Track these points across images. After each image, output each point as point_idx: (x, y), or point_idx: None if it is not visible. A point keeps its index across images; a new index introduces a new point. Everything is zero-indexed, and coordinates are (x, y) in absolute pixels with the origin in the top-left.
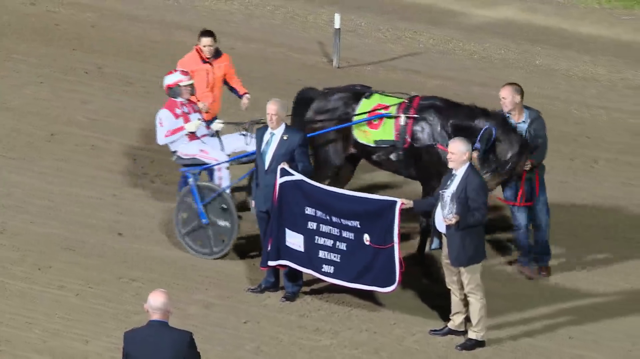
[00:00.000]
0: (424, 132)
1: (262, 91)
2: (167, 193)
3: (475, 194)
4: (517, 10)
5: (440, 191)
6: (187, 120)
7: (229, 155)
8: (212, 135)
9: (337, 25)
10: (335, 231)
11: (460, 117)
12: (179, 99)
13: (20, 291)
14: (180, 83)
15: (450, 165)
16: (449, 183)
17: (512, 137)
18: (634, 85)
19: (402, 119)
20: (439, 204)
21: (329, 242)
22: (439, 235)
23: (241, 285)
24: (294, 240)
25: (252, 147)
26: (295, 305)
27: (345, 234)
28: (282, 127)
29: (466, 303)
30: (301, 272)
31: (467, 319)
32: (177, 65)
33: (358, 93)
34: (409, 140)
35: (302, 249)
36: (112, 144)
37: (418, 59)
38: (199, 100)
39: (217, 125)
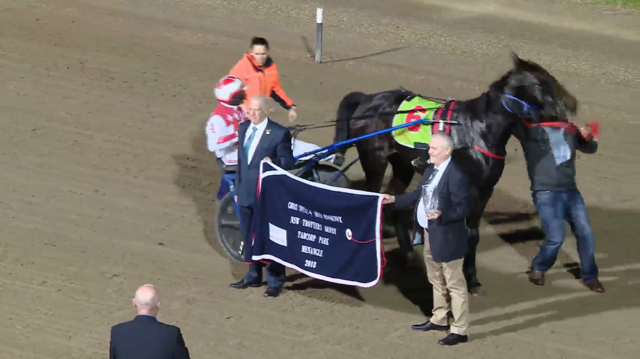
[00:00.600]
0: (459, 135)
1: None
2: (149, 189)
3: (456, 189)
4: (498, 5)
5: (422, 186)
6: (237, 128)
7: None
8: None
9: (319, 20)
10: (317, 226)
11: (479, 115)
12: (236, 106)
13: (2, 287)
14: (244, 88)
15: (431, 160)
16: (430, 178)
17: (516, 78)
18: (617, 81)
19: (441, 124)
20: (421, 199)
21: (312, 237)
22: (420, 230)
23: (224, 281)
24: (277, 235)
25: (296, 152)
26: (278, 300)
27: (327, 229)
28: (265, 122)
29: (448, 298)
30: (284, 267)
31: (450, 315)
32: (230, 73)
33: (401, 95)
34: None
35: (285, 244)
36: (94, 139)
37: (400, 54)
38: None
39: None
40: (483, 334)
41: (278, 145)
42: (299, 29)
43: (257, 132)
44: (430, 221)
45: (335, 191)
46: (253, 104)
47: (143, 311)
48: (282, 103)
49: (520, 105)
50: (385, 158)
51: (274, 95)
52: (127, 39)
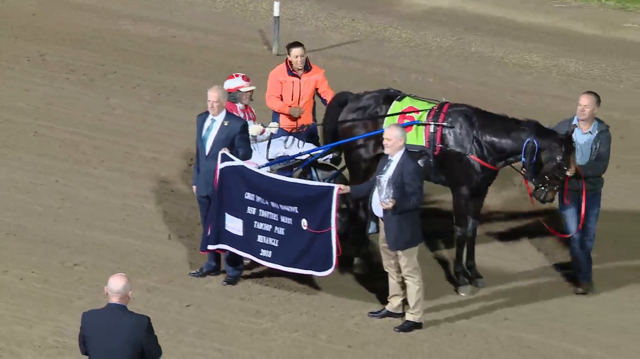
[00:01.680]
0: (454, 139)
1: (203, 79)
2: (109, 180)
3: (410, 179)
4: None
5: (377, 176)
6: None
7: (270, 160)
8: (265, 139)
9: (276, 13)
10: (274, 216)
11: (496, 132)
12: (238, 104)
13: None
14: (241, 89)
15: (386, 151)
16: (385, 168)
17: (554, 140)
18: (568, 72)
19: (432, 126)
20: (376, 189)
21: (268, 227)
22: (375, 219)
23: (183, 270)
24: (234, 225)
25: (292, 151)
26: (237, 289)
27: (283, 219)
28: (223, 114)
29: (404, 286)
30: (242, 257)
31: (405, 302)
32: (269, 76)
33: (390, 95)
34: (439, 146)
35: (241, 233)
36: (55, 131)
37: (356, 47)
38: (289, 107)
39: (272, 128)
40: (437, 321)
41: (236, 136)
42: (256, 22)
43: (215, 124)
44: (385, 211)
45: (292, 182)
46: (211, 96)
47: (114, 300)
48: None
49: (531, 157)
50: (370, 157)
51: (321, 99)
52: (87, 32)
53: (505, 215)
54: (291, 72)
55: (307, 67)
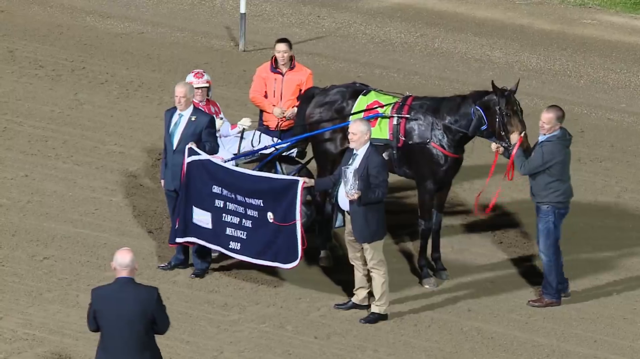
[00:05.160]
0: (417, 131)
1: (171, 74)
2: (78, 174)
3: (376, 172)
4: None
5: (343, 168)
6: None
7: (235, 154)
8: (237, 134)
9: (242, 10)
10: (240, 209)
11: (449, 113)
12: (194, 100)
13: None
14: (192, 85)
15: (351, 145)
16: (350, 161)
17: (491, 96)
18: (529, 68)
19: (395, 119)
20: (342, 182)
21: (236, 220)
22: (342, 212)
23: (151, 263)
24: (202, 218)
25: (259, 146)
26: (204, 281)
27: (250, 212)
28: (190, 109)
29: (369, 279)
30: (210, 250)
31: (371, 294)
32: (256, 71)
33: (356, 90)
34: (402, 139)
35: (209, 226)
36: (23, 126)
37: (322, 43)
38: (274, 106)
39: (245, 122)
40: (402, 313)
41: (203, 131)
42: (222, 18)
43: (182, 119)
44: (351, 203)
45: (257, 175)
46: (178, 92)
47: (123, 273)
48: None
49: (481, 122)
50: (337, 152)
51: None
52: (55, 29)
53: (469, 208)
54: (275, 68)
55: (292, 66)
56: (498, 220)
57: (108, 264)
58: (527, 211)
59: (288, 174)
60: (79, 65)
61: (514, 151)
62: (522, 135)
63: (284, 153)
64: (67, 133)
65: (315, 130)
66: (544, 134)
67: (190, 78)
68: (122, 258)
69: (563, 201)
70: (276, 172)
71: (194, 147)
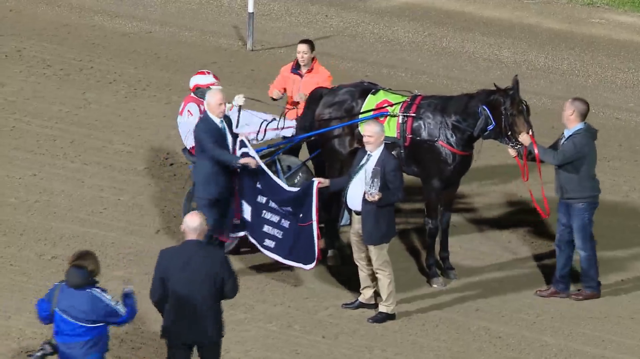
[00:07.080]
0: (425, 129)
1: (179, 73)
2: (85, 173)
3: (393, 176)
4: None
5: (358, 168)
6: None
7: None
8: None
9: (250, 9)
10: (280, 209)
11: (457, 111)
12: (194, 96)
13: None
14: (212, 87)
15: (367, 148)
16: (363, 162)
17: (496, 96)
18: (537, 67)
19: (401, 117)
20: (355, 181)
21: (275, 218)
22: (349, 211)
23: None
24: (246, 210)
25: (285, 132)
26: None
27: (286, 212)
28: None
29: (374, 278)
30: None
31: (377, 293)
32: (280, 70)
33: (365, 89)
34: (409, 137)
35: (249, 219)
36: (32, 125)
37: (329, 42)
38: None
39: (239, 99)
40: (410, 312)
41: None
42: (230, 17)
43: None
44: (365, 204)
45: (282, 187)
46: (219, 99)
47: (191, 236)
48: None
49: (488, 122)
50: (347, 152)
51: None
52: (63, 28)
53: (478, 207)
54: (295, 69)
55: (311, 67)
56: (506, 219)
57: (116, 263)
58: (535, 211)
59: (288, 170)
60: (87, 64)
61: (535, 149)
62: (530, 133)
63: (283, 154)
64: (75, 132)
65: (321, 129)
66: (563, 122)
67: (211, 79)
68: (192, 222)
69: (596, 195)
70: (276, 169)
71: (244, 139)
